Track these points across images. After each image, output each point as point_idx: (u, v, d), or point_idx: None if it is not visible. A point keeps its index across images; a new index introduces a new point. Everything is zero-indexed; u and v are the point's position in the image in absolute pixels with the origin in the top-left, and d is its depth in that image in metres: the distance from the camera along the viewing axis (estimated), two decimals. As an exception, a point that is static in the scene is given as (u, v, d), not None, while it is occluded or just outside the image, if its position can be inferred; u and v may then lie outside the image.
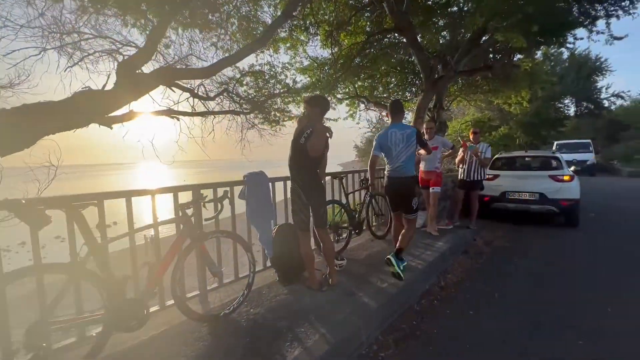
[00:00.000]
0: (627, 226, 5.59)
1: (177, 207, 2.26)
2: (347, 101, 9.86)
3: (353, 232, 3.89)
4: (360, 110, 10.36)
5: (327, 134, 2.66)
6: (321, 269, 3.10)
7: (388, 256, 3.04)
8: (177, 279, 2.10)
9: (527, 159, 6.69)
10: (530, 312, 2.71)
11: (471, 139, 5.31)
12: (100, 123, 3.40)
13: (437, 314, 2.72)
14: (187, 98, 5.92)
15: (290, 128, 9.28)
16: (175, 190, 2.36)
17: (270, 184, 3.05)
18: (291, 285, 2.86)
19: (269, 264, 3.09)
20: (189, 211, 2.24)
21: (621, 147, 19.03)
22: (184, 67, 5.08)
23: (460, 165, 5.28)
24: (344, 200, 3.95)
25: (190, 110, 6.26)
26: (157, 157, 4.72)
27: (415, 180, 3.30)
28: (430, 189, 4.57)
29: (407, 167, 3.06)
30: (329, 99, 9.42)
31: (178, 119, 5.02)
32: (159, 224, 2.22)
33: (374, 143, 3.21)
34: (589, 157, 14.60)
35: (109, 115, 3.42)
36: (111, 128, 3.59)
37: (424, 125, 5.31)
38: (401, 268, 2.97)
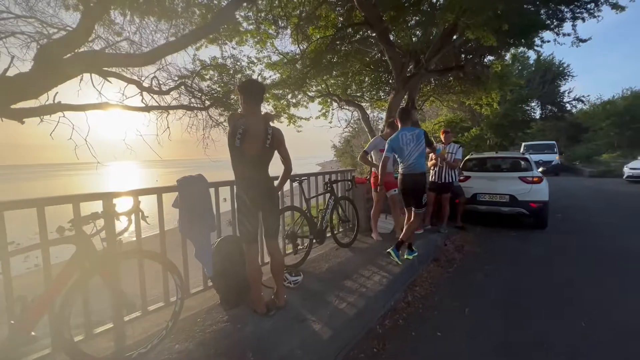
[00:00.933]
0: (593, 227, 5.62)
1: (76, 222, 1.77)
2: (319, 99, 9.51)
3: (314, 241, 3.52)
4: (333, 109, 10.06)
5: (270, 122, 2.26)
6: (273, 286, 2.69)
7: (389, 249, 3.48)
8: (66, 315, 1.61)
9: (497, 160, 6.62)
10: (502, 330, 2.45)
11: (442, 139, 5.12)
12: (3, 116, 2.80)
13: (402, 336, 2.40)
14: (141, 92, 5.33)
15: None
16: (75, 200, 1.86)
17: (212, 189, 2.61)
18: (235, 308, 2.44)
19: (211, 282, 2.64)
20: (88, 228, 1.76)
21: (582, 149, 20.10)
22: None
23: (432, 168, 5.07)
24: (304, 206, 3.57)
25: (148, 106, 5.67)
26: (94, 156, 4.11)
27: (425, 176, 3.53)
28: (392, 190, 4.25)
29: (419, 164, 3.34)
30: (300, 96, 9.05)
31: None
32: (49, 244, 1.73)
33: (386, 146, 3.45)
34: (554, 157, 15.19)
35: (17, 107, 2.83)
36: (22, 122, 2.98)
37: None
38: (410, 257, 3.52)
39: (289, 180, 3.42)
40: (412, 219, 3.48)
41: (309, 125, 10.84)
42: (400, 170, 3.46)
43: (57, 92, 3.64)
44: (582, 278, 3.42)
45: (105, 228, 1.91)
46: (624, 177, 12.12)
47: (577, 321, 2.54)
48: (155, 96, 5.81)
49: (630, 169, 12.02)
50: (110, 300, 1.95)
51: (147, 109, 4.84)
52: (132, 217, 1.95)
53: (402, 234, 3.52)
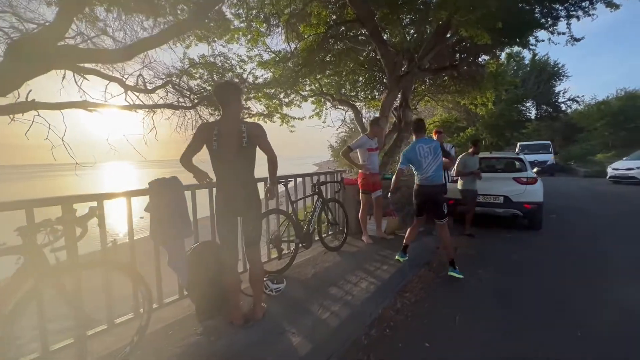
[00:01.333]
0: (588, 228, 5.54)
1: (25, 230, 1.61)
2: (312, 99, 9.37)
3: (301, 246, 3.37)
4: (326, 109, 9.93)
5: (242, 127, 2.11)
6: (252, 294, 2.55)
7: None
8: (9, 335, 1.46)
9: (491, 160, 6.52)
10: (493, 342, 2.32)
11: (435, 139, 4.99)
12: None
13: (388, 348, 2.27)
14: (127, 91, 5.15)
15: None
16: (27, 205, 1.70)
17: (187, 192, 2.46)
18: (211, 319, 2.29)
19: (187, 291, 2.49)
20: (41, 237, 1.60)
21: (577, 149, 20.13)
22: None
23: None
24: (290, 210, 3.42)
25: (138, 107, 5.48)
26: (72, 157, 3.93)
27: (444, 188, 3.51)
28: (378, 192, 4.22)
29: (437, 176, 3.35)
30: (293, 95, 8.90)
31: (101, 113, 4.25)
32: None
33: (401, 158, 3.46)
34: (549, 157, 15.16)
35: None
36: (-13, 121, 2.82)
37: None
38: (458, 273, 3.32)
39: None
40: (442, 232, 3.43)
41: (307, 126, 10.71)
42: (417, 181, 3.45)
43: (30, 90, 3.48)
44: (579, 283, 3.31)
45: (64, 236, 1.75)
46: (607, 177, 12.07)
47: (573, 331, 2.42)
48: (142, 95, 5.65)
49: (613, 169, 11.98)
50: (72, 314, 1.80)
51: (129, 107, 4.66)
52: (92, 224, 1.80)
53: (446, 253, 3.44)
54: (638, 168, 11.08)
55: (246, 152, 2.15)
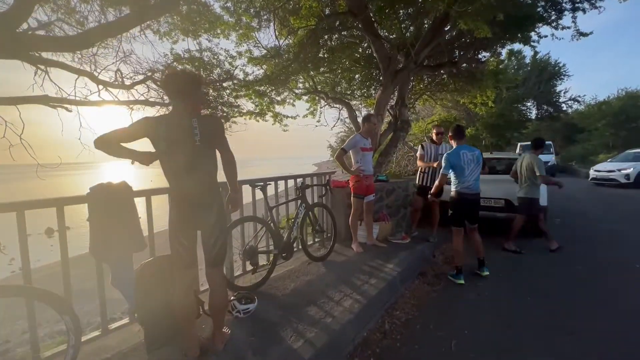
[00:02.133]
0: (594, 233, 5.20)
1: None
2: (306, 97, 9.02)
3: (280, 257, 3.03)
4: (321, 107, 9.57)
5: (194, 120, 1.76)
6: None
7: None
8: None
9: (492, 161, 6.17)
10: (495, 374, 1.99)
11: (434, 139, 4.64)
12: None
13: (371, 383, 1.93)
14: (99, 86, 4.80)
15: (240, 125, 8.30)
16: None
17: (139, 199, 2.12)
18: (161, 349, 1.94)
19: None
20: None
21: (578, 149, 19.81)
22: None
23: (422, 170, 4.60)
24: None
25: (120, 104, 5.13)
26: (34, 158, 3.58)
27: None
28: (371, 196, 3.95)
29: (476, 185, 3.40)
30: (286, 93, 8.55)
31: (68, 109, 3.90)
32: None
33: (444, 162, 3.38)
34: (550, 158, 14.81)
35: None
36: None
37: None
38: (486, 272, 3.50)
39: (250, 187, 2.95)
40: (474, 235, 3.48)
41: (300, 125, 10.35)
42: (456, 188, 3.41)
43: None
44: (588, 298, 2.97)
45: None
46: (589, 179, 11.73)
47: (584, 358, 2.09)
48: (122, 92, 5.31)
49: (595, 171, 11.64)
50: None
51: (98, 103, 4.30)
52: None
53: (478, 254, 3.52)
54: (619, 170, 10.76)
55: (202, 152, 1.80)
